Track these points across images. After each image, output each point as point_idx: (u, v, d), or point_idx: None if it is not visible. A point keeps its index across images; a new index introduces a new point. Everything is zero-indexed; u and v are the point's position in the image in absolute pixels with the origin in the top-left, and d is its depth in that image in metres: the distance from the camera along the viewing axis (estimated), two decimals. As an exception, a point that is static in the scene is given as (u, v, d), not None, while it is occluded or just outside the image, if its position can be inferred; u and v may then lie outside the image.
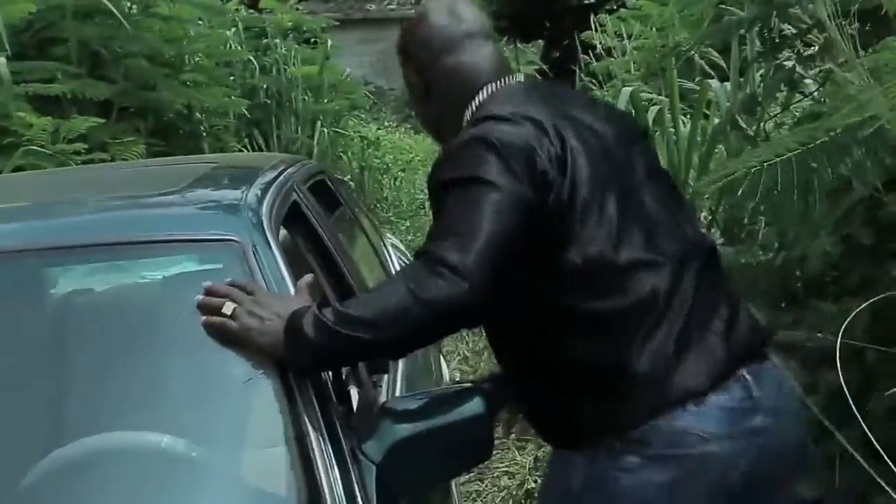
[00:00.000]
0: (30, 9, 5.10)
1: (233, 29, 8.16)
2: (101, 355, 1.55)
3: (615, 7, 12.09)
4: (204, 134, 6.89)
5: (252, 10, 9.09)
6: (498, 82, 1.85)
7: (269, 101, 8.53)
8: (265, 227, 1.72)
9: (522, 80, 1.91)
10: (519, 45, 18.91)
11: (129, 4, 5.98)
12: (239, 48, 8.12)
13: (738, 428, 1.68)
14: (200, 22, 7.18)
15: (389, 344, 1.57)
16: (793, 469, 1.79)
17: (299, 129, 8.56)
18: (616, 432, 1.68)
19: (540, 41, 16.43)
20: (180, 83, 6.39)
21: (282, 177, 2.08)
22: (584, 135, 1.76)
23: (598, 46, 6.85)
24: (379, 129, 12.29)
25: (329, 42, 9.12)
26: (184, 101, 6.20)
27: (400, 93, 18.02)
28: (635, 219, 1.74)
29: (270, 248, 1.67)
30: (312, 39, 9.83)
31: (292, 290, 1.63)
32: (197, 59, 6.90)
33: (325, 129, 8.65)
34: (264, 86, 8.41)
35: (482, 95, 1.83)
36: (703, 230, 2.74)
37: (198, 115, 6.90)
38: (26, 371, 1.54)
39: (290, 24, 9.42)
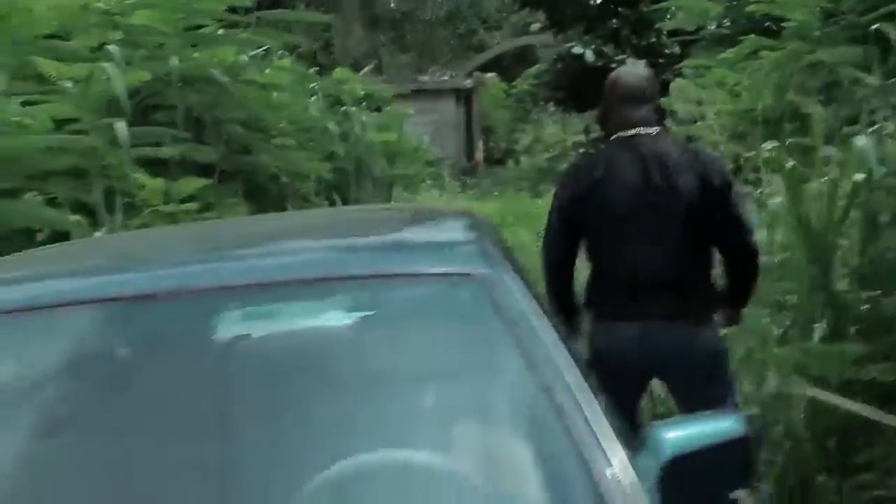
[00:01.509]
0: (145, 77, 5.38)
1: (313, 97, 8.47)
2: (366, 379, 1.69)
3: (674, 75, 12.34)
4: (288, 196, 7.14)
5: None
6: None
7: (345, 167, 8.79)
8: (502, 263, 1.87)
9: None
10: (569, 115, 19.26)
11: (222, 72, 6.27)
12: (318, 115, 8.42)
13: None
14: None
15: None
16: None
17: (375, 192, 8.81)
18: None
19: (593, 111, 16.70)
20: (274, 147, 6.66)
21: (482, 219, 2.25)
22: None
23: (677, 111, 7.04)
24: (441, 195, 12.55)
25: (408, 111, 9.41)
26: (278, 165, 6.44)
27: (454, 161, 18.33)
28: None
29: (511, 281, 1.80)
30: (375, 108, 10.14)
31: (535, 323, 1.74)
32: (281, 125, 7.19)
33: (402, 193, 8.88)
34: (342, 152, 8.68)
35: None
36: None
37: (284, 178, 7.15)
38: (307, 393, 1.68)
39: (362, 93, 9.74)
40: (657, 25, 15.33)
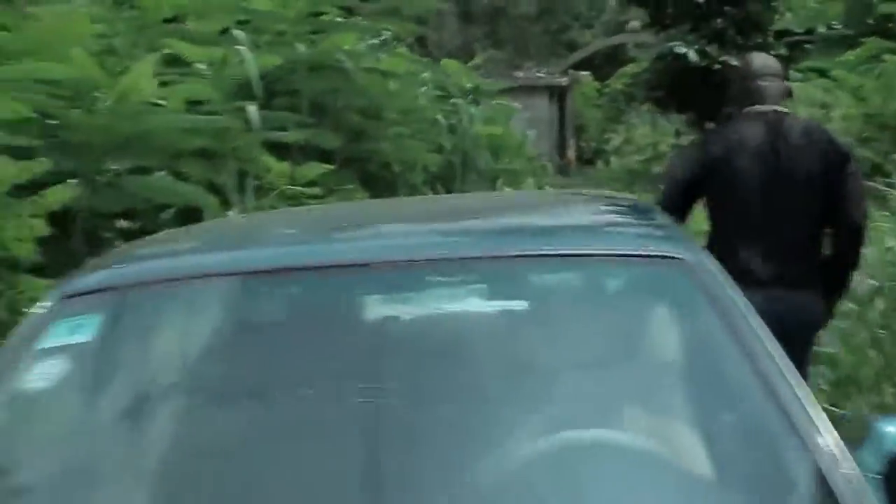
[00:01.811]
0: (276, 62, 5.44)
1: (423, 88, 8.49)
2: (576, 354, 1.68)
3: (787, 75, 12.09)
4: (399, 185, 7.17)
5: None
6: None
7: (452, 159, 8.80)
8: (698, 246, 1.87)
9: None
10: (661, 116, 19.08)
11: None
12: (427, 105, 8.44)
13: None
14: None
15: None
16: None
17: (480, 185, 8.79)
18: None
19: (691, 112, 16.46)
20: (390, 136, 6.69)
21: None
22: None
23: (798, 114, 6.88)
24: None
25: (515, 106, 9.38)
26: (397, 154, 6.47)
27: (548, 158, 18.25)
28: None
29: (713, 265, 1.80)
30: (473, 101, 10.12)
31: (742, 308, 1.71)
32: (394, 115, 7.22)
33: (504, 188, 8.86)
34: (448, 144, 8.69)
35: None
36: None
37: (396, 167, 7.19)
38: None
39: (469, 85, 9.74)
40: (766, 26, 15.13)
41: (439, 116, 8.51)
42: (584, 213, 2.20)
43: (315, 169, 5.50)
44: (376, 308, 1.84)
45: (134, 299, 1.84)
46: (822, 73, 8.70)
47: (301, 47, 5.91)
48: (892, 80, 6.33)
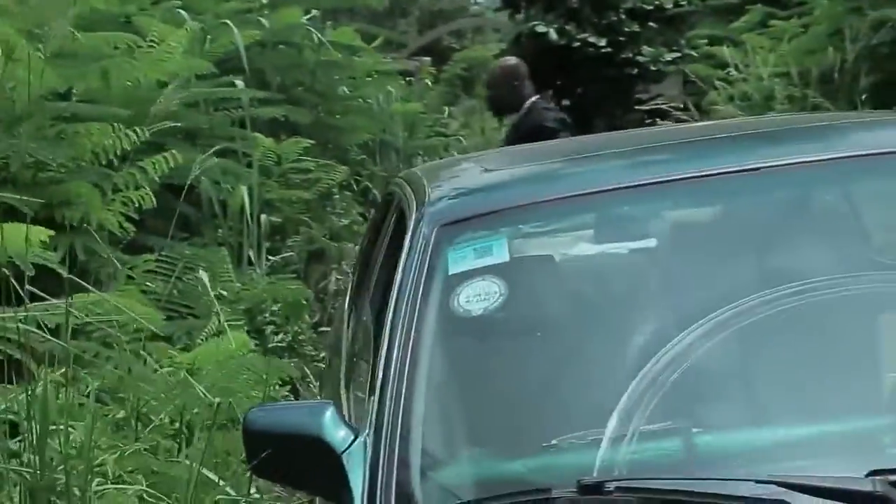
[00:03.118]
0: (257, 35, 5.40)
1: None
2: None
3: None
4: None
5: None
6: None
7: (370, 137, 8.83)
8: None
9: None
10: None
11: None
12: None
13: None
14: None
15: None
16: None
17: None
18: None
19: (549, 91, 16.91)
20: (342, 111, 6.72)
21: None
22: None
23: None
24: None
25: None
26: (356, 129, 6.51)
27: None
28: None
29: None
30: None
31: None
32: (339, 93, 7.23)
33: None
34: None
35: None
36: None
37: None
38: None
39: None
40: (618, 4, 15.73)
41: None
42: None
43: (300, 144, 5.51)
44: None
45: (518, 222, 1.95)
46: (717, 40, 9.26)
47: (264, 22, 5.87)
48: (812, 42, 6.83)
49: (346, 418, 1.81)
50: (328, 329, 5.67)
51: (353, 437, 1.66)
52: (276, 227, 5.45)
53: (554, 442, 1.59)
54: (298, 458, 1.67)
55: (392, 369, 1.69)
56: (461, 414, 1.73)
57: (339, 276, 6.38)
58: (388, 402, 1.65)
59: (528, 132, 4.76)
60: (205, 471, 2.67)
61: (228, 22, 5.15)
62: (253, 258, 5.10)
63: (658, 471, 1.54)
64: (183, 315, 4.17)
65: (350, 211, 7.11)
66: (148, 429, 2.97)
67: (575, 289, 2.02)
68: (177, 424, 2.99)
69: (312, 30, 5.90)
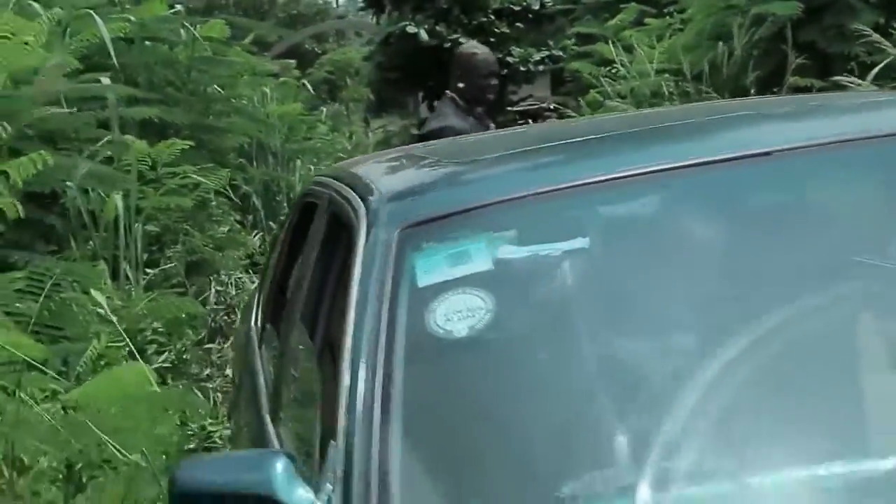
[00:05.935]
0: (126, 28, 4.95)
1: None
2: None
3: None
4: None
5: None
6: None
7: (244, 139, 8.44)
8: None
9: None
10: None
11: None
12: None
13: None
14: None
15: None
16: None
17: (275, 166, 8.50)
18: None
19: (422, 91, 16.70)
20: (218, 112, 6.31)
21: None
22: None
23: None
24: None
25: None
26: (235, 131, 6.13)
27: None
28: None
29: None
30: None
31: None
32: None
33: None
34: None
35: None
36: None
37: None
38: None
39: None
40: (487, 5, 15.64)
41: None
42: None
43: (176, 146, 5.08)
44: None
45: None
46: (589, 39, 9.25)
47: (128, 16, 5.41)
48: (691, 38, 6.83)
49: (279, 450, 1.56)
50: (213, 345, 5.27)
51: (312, 497, 1.34)
52: (154, 237, 5.01)
53: (567, 491, 1.31)
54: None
55: (358, 411, 1.38)
56: (452, 464, 1.40)
57: (218, 288, 5.99)
58: (356, 453, 1.34)
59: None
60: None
61: (92, 13, 4.67)
62: (129, 272, 4.64)
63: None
64: (56, 338, 3.70)
65: (227, 219, 6.69)
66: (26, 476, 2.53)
67: (580, 301, 1.61)
68: (62, 470, 2.55)
69: (186, 24, 5.45)
